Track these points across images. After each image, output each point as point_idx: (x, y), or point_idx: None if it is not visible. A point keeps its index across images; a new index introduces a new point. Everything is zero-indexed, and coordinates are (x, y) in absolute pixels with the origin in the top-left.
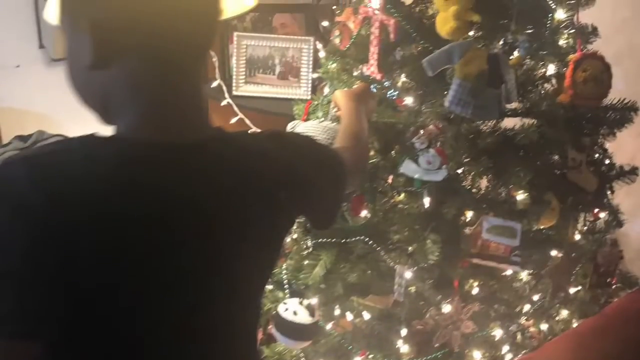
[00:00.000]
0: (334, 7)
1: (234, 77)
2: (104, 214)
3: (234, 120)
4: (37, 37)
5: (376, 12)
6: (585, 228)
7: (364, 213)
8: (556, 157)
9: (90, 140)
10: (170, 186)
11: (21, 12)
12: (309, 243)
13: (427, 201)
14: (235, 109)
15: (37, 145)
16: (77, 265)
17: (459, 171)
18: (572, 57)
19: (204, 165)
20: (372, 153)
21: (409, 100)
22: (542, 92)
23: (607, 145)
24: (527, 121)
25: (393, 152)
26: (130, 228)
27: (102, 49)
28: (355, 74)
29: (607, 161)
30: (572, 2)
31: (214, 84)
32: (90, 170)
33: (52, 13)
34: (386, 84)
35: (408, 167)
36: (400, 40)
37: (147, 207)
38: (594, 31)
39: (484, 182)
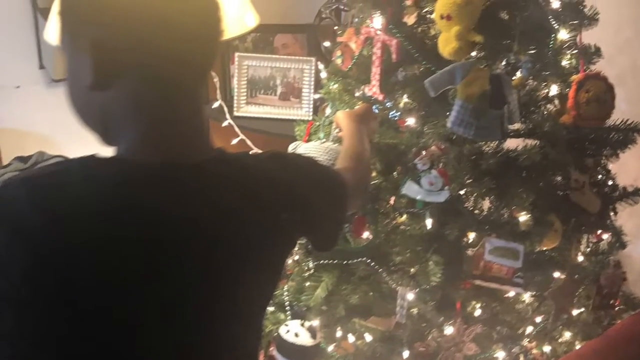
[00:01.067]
0: (336, 28)
1: (235, 97)
2: (103, 235)
3: (235, 141)
4: (37, 57)
5: (378, 32)
6: (588, 249)
7: (366, 234)
8: (559, 178)
9: (91, 161)
10: (170, 207)
11: (21, 32)
12: (311, 264)
13: (429, 222)
14: (237, 129)
15: (37, 166)
16: (77, 286)
17: (462, 192)
18: (574, 77)
19: (204, 187)
20: (374, 174)
21: (411, 121)
22: (545, 113)
23: (610, 166)
24: (530, 142)
25: (395, 173)
26: (130, 249)
27: (102, 70)
28: (357, 94)
29: (610, 182)
30: (575, 22)
31: (215, 105)
32: (90, 191)
33: (52, 33)
34: (388, 104)
35: (410, 189)
36: (403, 61)
37: (148, 229)
38: (597, 52)
39: (486, 204)
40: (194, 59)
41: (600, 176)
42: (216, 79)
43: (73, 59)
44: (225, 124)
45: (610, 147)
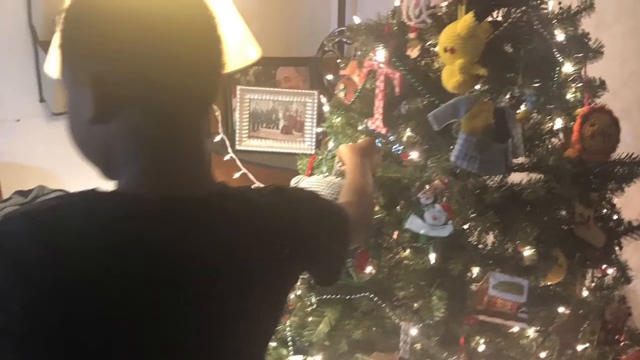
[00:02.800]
0: (339, 61)
1: (237, 131)
2: (104, 269)
3: (237, 175)
4: (37, 90)
5: (381, 65)
6: (593, 284)
7: (369, 269)
8: (563, 212)
9: (92, 195)
10: (172, 242)
11: (22, 65)
12: (313, 299)
13: (432, 257)
14: (239, 163)
15: (37, 200)
16: (77, 320)
17: (465, 227)
18: (579, 111)
19: (206, 221)
20: (377, 208)
21: (414, 155)
22: (550, 146)
23: (615, 200)
24: (534, 176)
25: (398, 207)
26: (130, 284)
27: (103, 103)
28: (360, 128)
29: (615, 217)
30: (580, 55)
31: (217, 139)
32: (91, 226)
33: (53, 67)
34: (391, 138)
35: (413, 223)
36: (406, 94)
37: (149, 263)
38: (602, 85)
39: (490, 238)
40: (195, 92)
41: (605, 210)
42: (218, 113)
43: (74, 93)
44: (227, 157)
45: (615, 181)
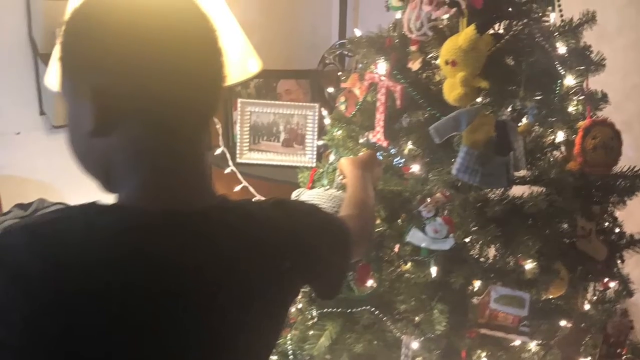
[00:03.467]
0: (340, 73)
1: (238, 144)
2: (104, 282)
3: (237, 188)
4: (37, 103)
5: (382, 78)
6: (595, 298)
7: (370, 282)
8: (565, 225)
9: (92, 208)
10: (172, 255)
11: (22, 78)
12: (314, 313)
13: (434, 270)
14: (239, 176)
15: (37, 213)
16: (78, 335)
17: (467, 240)
18: (581, 124)
19: (207, 234)
20: (378, 221)
21: (415, 168)
22: (551, 159)
23: (617, 213)
24: (536, 189)
25: (399, 220)
26: (131, 297)
27: (103, 116)
28: (361, 141)
29: (617, 230)
30: (582, 68)
31: (218, 151)
32: (91, 239)
33: (53, 79)
34: (392, 151)
35: (415, 236)
36: (407, 107)
37: (149, 277)
38: (604, 98)
39: (491, 251)
40: (196, 105)
41: (607, 224)
42: (218, 125)
43: (74, 105)
44: (227, 170)
45: (617, 194)
